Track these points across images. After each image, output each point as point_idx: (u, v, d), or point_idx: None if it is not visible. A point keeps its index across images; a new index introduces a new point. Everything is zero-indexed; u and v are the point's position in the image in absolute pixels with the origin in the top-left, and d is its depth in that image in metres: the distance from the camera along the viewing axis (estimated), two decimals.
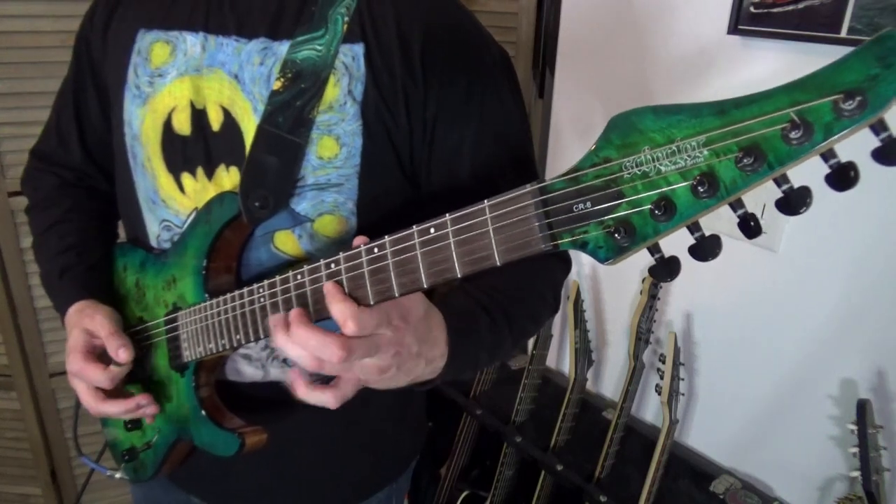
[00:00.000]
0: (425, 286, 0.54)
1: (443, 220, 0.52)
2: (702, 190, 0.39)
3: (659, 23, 1.41)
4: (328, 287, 0.58)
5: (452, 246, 0.51)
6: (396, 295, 0.56)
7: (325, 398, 0.62)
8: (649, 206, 0.41)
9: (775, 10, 1.18)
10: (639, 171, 0.42)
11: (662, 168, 0.41)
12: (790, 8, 1.16)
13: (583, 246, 0.45)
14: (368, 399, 0.90)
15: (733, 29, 1.25)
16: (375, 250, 0.56)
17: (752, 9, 1.21)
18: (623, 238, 0.43)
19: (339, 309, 0.56)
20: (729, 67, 1.30)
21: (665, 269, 0.43)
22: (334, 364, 0.56)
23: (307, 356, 0.57)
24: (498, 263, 0.49)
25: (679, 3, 1.36)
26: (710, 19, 1.29)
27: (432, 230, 0.53)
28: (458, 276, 0.52)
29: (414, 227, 0.54)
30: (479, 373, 1.72)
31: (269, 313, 0.67)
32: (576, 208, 0.45)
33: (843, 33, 1.09)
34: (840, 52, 0.36)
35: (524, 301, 0.80)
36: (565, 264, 0.89)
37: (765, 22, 1.20)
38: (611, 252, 0.44)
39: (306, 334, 0.57)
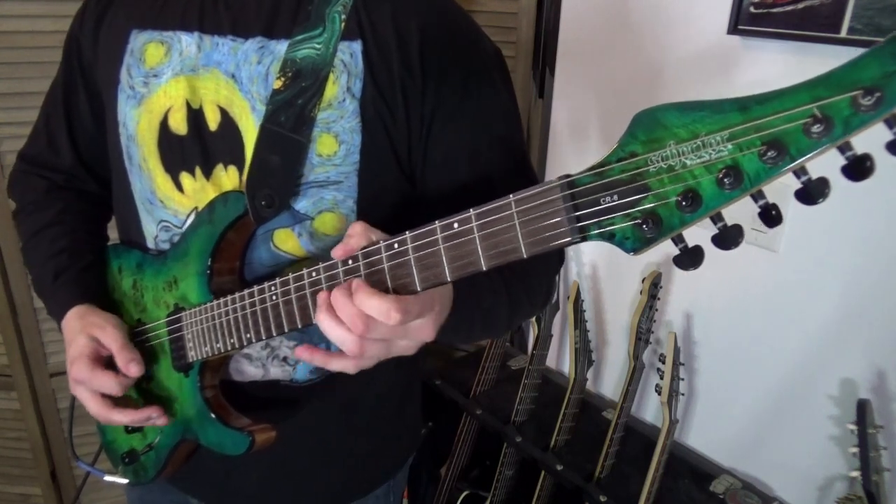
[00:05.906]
0: (449, 280, 0.54)
1: (467, 214, 0.53)
2: (727, 182, 0.41)
3: (659, 23, 1.42)
4: (357, 284, 0.58)
5: (477, 240, 0.52)
6: (419, 289, 0.56)
7: (346, 363, 0.63)
8: (676, 198, 0.43)
9: (775, 10, 1.19)
10: (664, 165, 0.43)
11: (688, 162, 0.42)
12: (790, 8, 1.17)
13: (610, 237, 0.46)
14: (365, 395, 0.91)
15: (733, 29, 1.26)
16: (396, 246, 0.57)
17: (752, 9, 1.22)
18: (650, 229, 0.44)
19: (377, 304, 0.55)
20: (729, 67, 1.31)
21: (689, 259, 0.45)
22: (389, 327, 0.57)
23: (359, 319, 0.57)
24: (525, 256, 0.50)
25: (679, 3, 1.37)
26: (710, 19, 1.30)
27: (456, 225, 0.53)
28: (483, 269, 0.52)
29: (436, 222, 0.55)
30: (479, 373, 1.73)
31: (283, 311, 0.67)
32: (603, 201, 0.46)
33: (843, 33, 1.10)
34: (840, 51, 0.37)
35: (523, 286, 0.81)
36: (560, 258, 0.91)
37: (765, 22, 1.21)
38: (638, 243, 0.45)
39: (371, 300, 0.56)
